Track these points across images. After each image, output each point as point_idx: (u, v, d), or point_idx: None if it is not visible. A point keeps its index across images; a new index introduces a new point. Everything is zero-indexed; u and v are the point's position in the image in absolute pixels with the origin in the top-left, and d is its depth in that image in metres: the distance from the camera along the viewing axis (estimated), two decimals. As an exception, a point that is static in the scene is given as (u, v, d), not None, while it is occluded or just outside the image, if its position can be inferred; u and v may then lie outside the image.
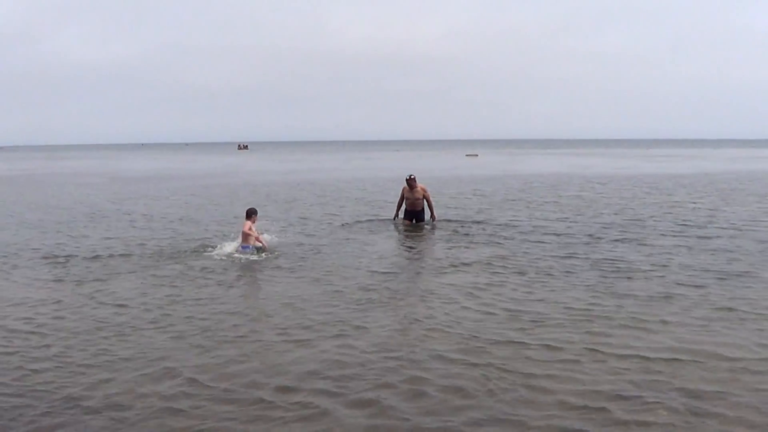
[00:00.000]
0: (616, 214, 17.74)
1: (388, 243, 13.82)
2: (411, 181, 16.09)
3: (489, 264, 11.18)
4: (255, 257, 11.85)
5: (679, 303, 8.43)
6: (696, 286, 9.29)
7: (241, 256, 11.90)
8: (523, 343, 6.98)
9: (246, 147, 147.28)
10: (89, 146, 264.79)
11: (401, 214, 16.42)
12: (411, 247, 13.32)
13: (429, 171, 42.12)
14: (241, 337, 7.35)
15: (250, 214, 12.50)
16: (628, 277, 9.96)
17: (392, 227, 15.97)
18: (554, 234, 14.23)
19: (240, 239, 12.36)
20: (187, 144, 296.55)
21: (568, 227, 15.27)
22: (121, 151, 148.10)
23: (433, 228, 15.59)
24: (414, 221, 16.09)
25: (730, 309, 8.11)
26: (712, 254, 11.63)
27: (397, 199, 16.78)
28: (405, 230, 15.50)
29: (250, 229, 12.23)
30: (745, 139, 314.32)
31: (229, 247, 12.44)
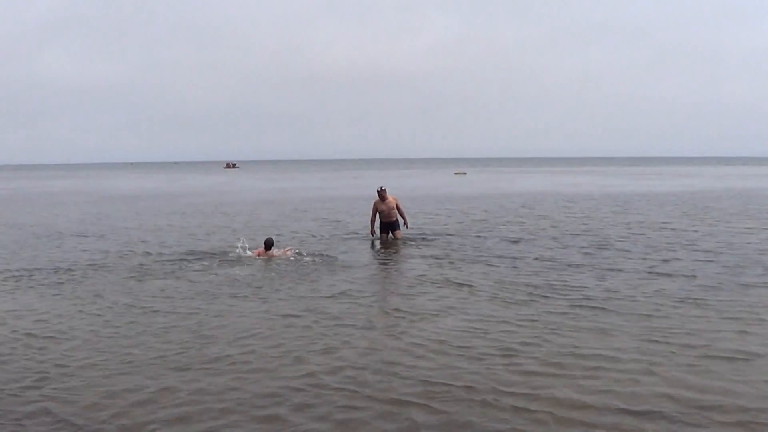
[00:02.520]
0: (579, 234, 17.15)
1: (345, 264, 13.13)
2: (382, 193, 16.36)
3: (429, 286, 10.70)
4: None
5: (618, 338, 7.66)
6: (641, 315, 8.58)
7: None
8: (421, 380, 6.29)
9: (235, 166, 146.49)
10: (78, 166, 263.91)
11: (377, 230, 16.61)
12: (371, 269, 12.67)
13: (416, 189, 41.91)
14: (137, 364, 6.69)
15: (270, 245, 13.58)
16: (570, 305, 9.27)
17: (363, 245, 15.86)
18: (510, 257, 13.51)
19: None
20: (176, 163, 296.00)
21: (527, 249, 14.65)
22: (111, 170, 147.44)
23: (401, 245, 15.64)
24: (390, 233, 16.34)
25: (664, 343, 7.39)
26: (669, 280, 10.88)
27: (370, 214, 16.84)
28: (379, 248, 15.44)
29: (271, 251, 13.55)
30: (735, 156, 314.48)
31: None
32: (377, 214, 16.51)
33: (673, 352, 7.07)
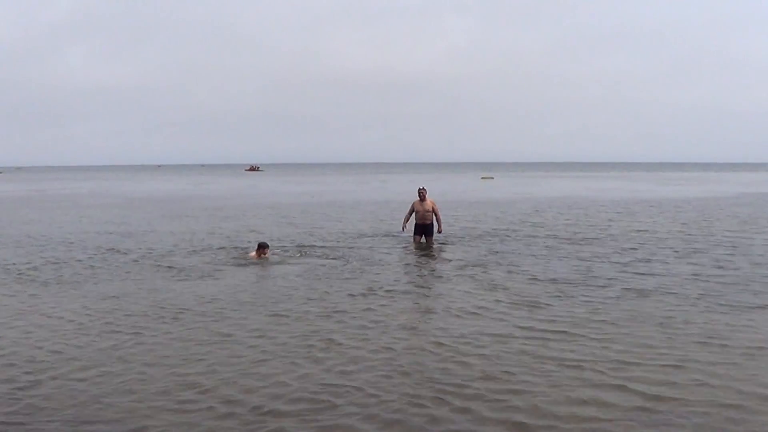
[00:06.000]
0: (572, 242, 16.85)
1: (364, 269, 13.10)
2: (422, 193, 16.53)
3: (456, 288, 10.81)
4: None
5: (585, 376, 6.59)
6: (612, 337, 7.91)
7: None
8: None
9: (258, 168, 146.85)
10: (105, 167, 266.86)
11: (412, 229, 16.72)
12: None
13: (445, 194, 41.73)
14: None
15: (262, 247, 14.12)
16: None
17: (391, 246, 16.05)
18: (524, 267, 13.20)
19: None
20: (203, 165, 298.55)
21: (530, 261, 14.02)
22: (139, 172, 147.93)
23: (432, 248, 15.76)
24: (423, 236, 16.37)
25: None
26: (653, 299, 9.93)
27: (406, 211, 17.09)
28: (410, 250, 15.59)
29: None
30: (763, 162, 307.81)
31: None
32: (413, 214, 16.63)
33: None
